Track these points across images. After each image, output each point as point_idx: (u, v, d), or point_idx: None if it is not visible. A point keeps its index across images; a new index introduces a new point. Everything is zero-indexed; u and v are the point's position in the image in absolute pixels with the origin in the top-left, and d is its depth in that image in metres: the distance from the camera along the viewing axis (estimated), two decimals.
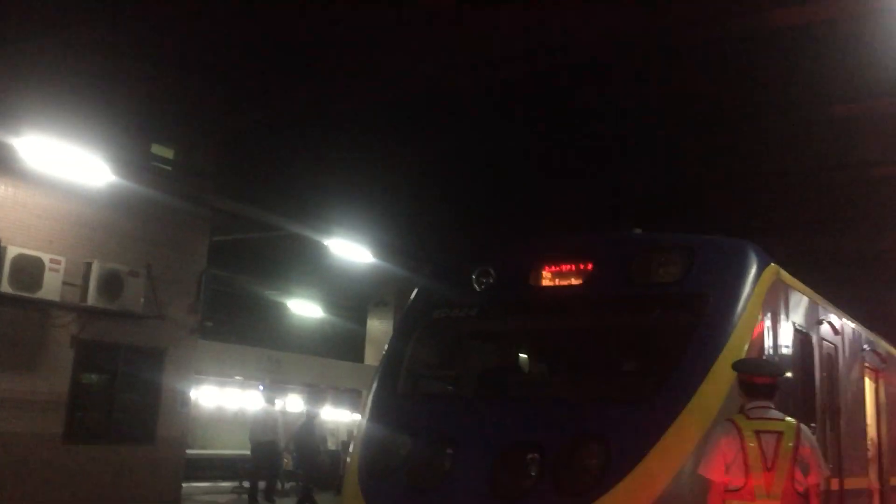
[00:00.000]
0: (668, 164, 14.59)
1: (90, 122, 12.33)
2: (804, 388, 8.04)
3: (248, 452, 22.16)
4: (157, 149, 14.40)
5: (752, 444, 5.47)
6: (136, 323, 13.96)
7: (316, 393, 22.45)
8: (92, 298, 12.98)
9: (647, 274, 7.26)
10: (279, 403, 18.60)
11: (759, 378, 5.79)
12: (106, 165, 12.34)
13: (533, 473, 6.26)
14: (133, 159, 13.54)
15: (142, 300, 13.72)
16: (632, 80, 11.93)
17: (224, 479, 20.82)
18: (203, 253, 15.50)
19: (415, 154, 15.57)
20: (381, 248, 18.38)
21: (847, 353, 9.71)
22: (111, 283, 13.20)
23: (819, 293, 9.20)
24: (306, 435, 16.33)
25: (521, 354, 8.39)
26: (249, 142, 15.64)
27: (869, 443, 10.68)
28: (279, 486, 18.41)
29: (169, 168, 14.54)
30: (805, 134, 13.22)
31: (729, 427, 5.63)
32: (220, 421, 31.67)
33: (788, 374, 7.46)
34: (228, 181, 15.74)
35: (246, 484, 18.48)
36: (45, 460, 12.61)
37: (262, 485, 16.84)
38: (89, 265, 13.11)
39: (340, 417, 31.20)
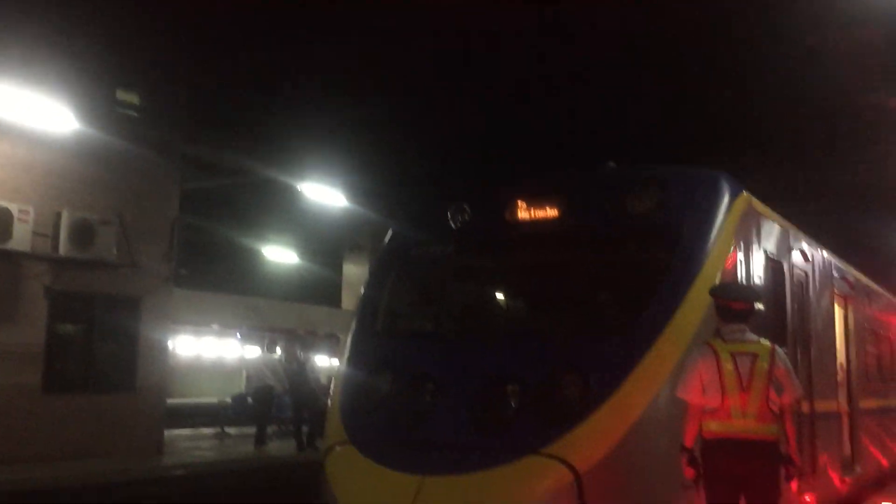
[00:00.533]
0: (641, 97, 14.57)
1: (52, 67, 12.07)
2: (775, 315, 8.19)
3: (228, 400, 22.37)
4: (122, 94, 14.12)
5: (728, 366, 5.59)
6: (110, 272, 13.86)
7: (294, 338, 22.56)
8: (64, 248, 12.86)
9: (622, 207, 7.30)
10: (277, 350, 18.73)
11: (735, 303, 5.90)
12: (70, 112, 12.09)
13: (513, 405, 6.36)
14: (98, 106, 13.29)
15: (114, 249, 13.61)
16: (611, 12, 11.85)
17: (205, 426, 20.95)
18: (175, 200, 15.34)
19: (385, 94, 15.42)
20: (355, 192, 18.32)
21: (817, 281, 9.88)
22: (83, 233, 13.06)
23: (793, 224, 9.32)
24: (299, 381, 16.44)
25: (498, 290, 8.44)
26: (217, 86, 15.39)
27: (838, 367, 10.94)
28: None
29: (135, 114, 14.28)
30: (781, 65, 13.23)
31: (706, 350, 5.75)
32: (199, 370, 31.75)
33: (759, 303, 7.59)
34: (197, 127, 15.51)
35: (228, 430, 18.62)
36: (26, 411, 12.59)
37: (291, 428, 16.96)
38: (59, 215, 12.96)
39: (319, 363, 31.38)
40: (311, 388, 16.33)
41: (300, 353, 17.71)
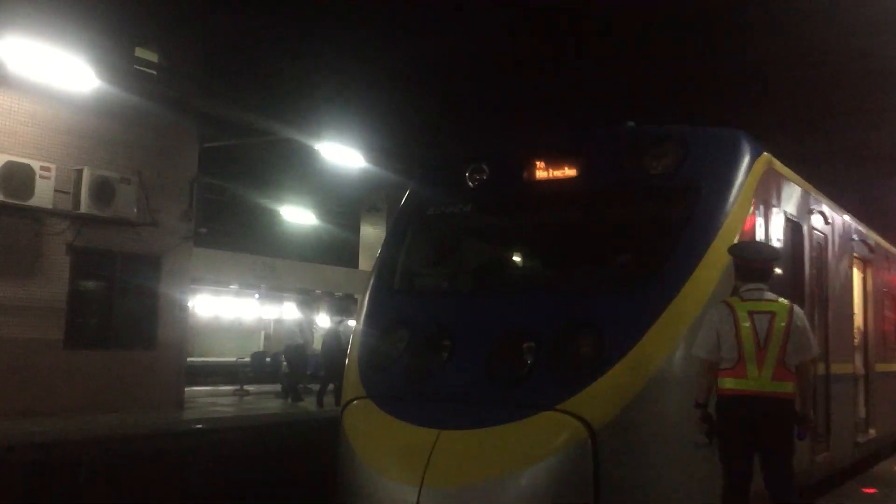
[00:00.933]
0: (661, 59, 14.41)
1: (72, 25, 12.07)
2: (794, 276, 8.18)
3: (247, 359, 22.63)
4: (141, 52, 14.13)
5: (745, 324, 5.61)
6: (130, 230, 13.99)
7: (302, 299, 22.78)
8: (84, 206, 12.97)
9: (641, 166, 7.27)
10: (311, 311, 19.16)
11: (753, 262, 5.90)
12: (90, 69, 12.12)
13: (529, 360, 6.41)
14: (117, 63, 13.31)
15: (134, 207, 13.72)
16: None
17: (225, 384, 21.26)
18: (193, 159, 15.41)
19: (404, 54, 15.34)
20: (373, 152, 18.28)
21: (836, 243, 9.83)
22: (103, 190, 13.16)
23: (813, 186, 9.25)
24: (332, 341, 16.64)
25: (515, 248, 8.46)
26: (236, 45, 15.36)
27: (855, 330, 10.93)
28: (282, 388, 18.80)
29: (153, 72, 14.30)
30: (795, 25, 13.03)
31: (723, 308, 5.77)
32: (218, 329, 32.09)
33: (778, 263, 7.57)
34: (216, 85, 15.52)
35: (247, 387, 18.88)
36: (47, 365, 12.82)
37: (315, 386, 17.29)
38: (80, 172, 13.05)
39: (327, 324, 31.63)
40: (342, 349, 16.52)
41: (335, 315, 17.98)
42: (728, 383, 5.66)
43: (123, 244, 13.95)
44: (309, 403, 16.17)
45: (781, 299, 5.86)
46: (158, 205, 14.48)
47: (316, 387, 16.86)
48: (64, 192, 12.92)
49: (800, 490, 7.96)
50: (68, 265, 13.21)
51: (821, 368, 8.66)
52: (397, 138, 18.84)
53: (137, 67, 14.23)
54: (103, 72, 12.56)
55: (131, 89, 13.70)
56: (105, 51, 12.87)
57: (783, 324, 5.63)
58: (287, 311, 32.02)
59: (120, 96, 13.45)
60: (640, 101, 15.04)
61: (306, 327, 18.00)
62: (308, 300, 20.90)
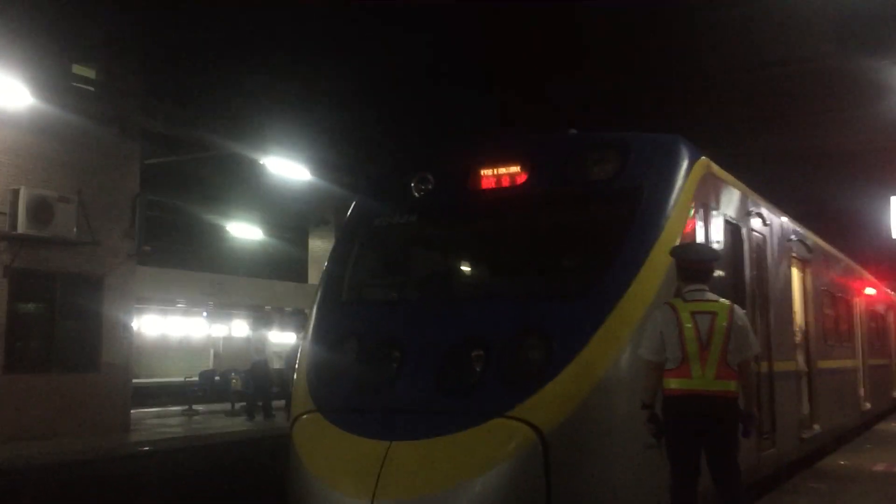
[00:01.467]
0: (601, 69, 14.62)
1: (4, 41, 11.79)
2: (734, 277, 8.35)
3: (195, 378, 22.31)
4: (78, 69, 13.87)
5: (688, 325, 5.71)
6: (71, 250, 13.69)
7: (262, 315, 22.57)
8: (22, 226, 12.66)
9: (583, 172, 7.37)
10: (272, 327, 19.04)
11: (695, 263, 6.00)
12: (25, 88, 11.86)
13: (478, 369, 6.42)
14: (53, 80, 13.05)
15: (74, 227, 13.45)
16: None
17: (174, 405, 20.93)
18: (135, 176, 15.15)
19: (346, 67, 15.30)
20: (319, 166, 18.20)
21: (775, 244, 10.06)
22: (41, 210, 12.87)
23: (751, 189, 9.46)
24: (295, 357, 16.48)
25: (461, 256, 8.49)
26: (176, 60, 15.15)
27: (797, 328, 11.19)
28: (231, 406, 18.57)
29: (91, 89, 14.04)
30: (732, 28, 13.32)
31: (666, 310, 5.86)
32: (166, 349, 31.58)
33: (719, 264, 7.73)
34: (156, 101, 15.29)
35: (196, 407, 18.60)
36: None
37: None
38: (16, 192, 12.75)
39: (287, 339, 31.36)
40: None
41: (298, 332, 17.90)
42: (673, 384, 5.75)
43: (64, 265, 13.65)
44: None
45: (722, 299, 5.98)
46: (100, 224, 14.20)
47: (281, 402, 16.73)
48: (0, 213, 12.59)
49: (747, 486, 8.12)
50: (6, 287, 12.88)
51: (764, 366, 8.85)
52: (344, 152, 18.79)
53: (75, 84, 13.97)
54: (39, 89, 12.31)
55: (68, 107, 13.45)
56: (41, 68, 12.60)
57: (724, 323, 5.74)
58: (237, 328, 31.70)
59: (57, 114, 13.19)
60: (580, 108, 15.24)
61: (268, 343, 17.96)
62: (270, 317, 20.76)
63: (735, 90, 15.79)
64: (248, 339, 28.44)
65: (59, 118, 13.30)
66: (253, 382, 17.59)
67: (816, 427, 11.43)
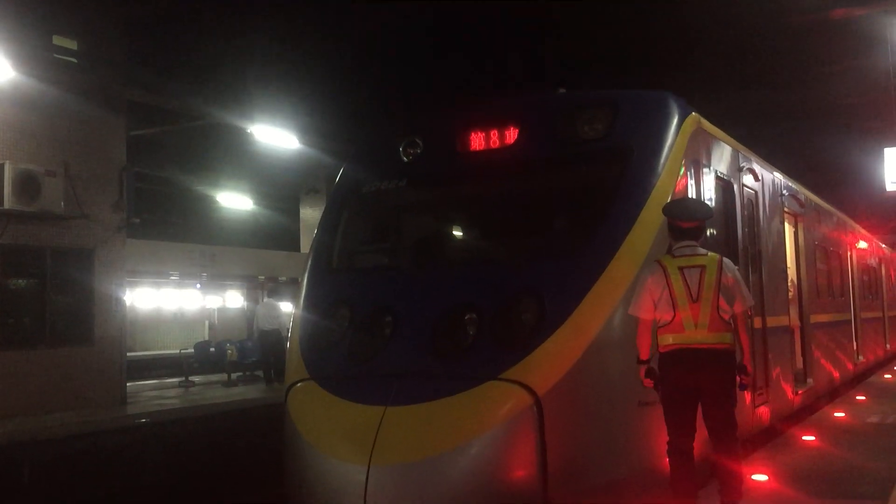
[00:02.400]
0: (591, 25, 14.46)
1: None
2: (727, 233, 8.32)
3: (191, 350, 22.31)
4: (59, 40, 13.64)
5: (677, 280, 5.69)
6: (60, 224, 13.59)
7: (275, 286, 22.54)
8: (9, 201, 12.52)
9: (573, 131, 7.30)
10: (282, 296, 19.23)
11: (684, 222, 5.96)
12: (5, 60, 11.67)
13: (471, 332, 6.40)
14: (34, 53, 12.83)
15: (62, 201, 13.31)
16: None
17: (169, 377, 20.95)
18: (122, 148, 14.98)
19: (333, 32, 15.11)
20: (308, 133, 18.04)
21: (767, 199, 10.02)
22: (28, 185, 12.73)
23: (742, 145, 9.40)
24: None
25: (452, 220, 8.43)
26: (159, 28, 14.94)
27: (789, 284, 11.20)
28: (227, 377, 18.59)
29: (74, 60, 13.82)
30: None
31: (655, 267, 5.84)
32: (161, 322, 31.54)
33: (711, 221, 7.70)
34: (140, 71, 15.09)
35: (192, 378, 18.61)
36: None
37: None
38: (2, 167, 12.59)
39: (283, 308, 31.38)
40: None
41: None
42: (668, 339, 5.74)
43: (53, 239, 13.55)
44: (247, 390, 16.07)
45: (711, 253, 5.95)
46: (88, 197, 14.08)
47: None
48: None
49: (742, 440, 8.18)
50: None
51: (757, 322, 8.86)
52: (333, 118, 18.63)
53: (57, 56, 13.75)
54: (20, 62, 12.11)
55: (51, 79, 13.25)
56: (20, 40, 12.39)
57: (713, 276, 5.72)
58: (231, 299, 31.67)
59: (40, 87, 13.00)
60: (570, 67, 15.10)
61: (281, 311, 18.08)
62: (278, 287, 20.95)
63: (725, 45, 15.65)
64: (246, 310, 28.54)
65: (43, 91, 13.12)
66: (265, 350, 17.69)
67: (810, 381, 11.49)
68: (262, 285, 20.86)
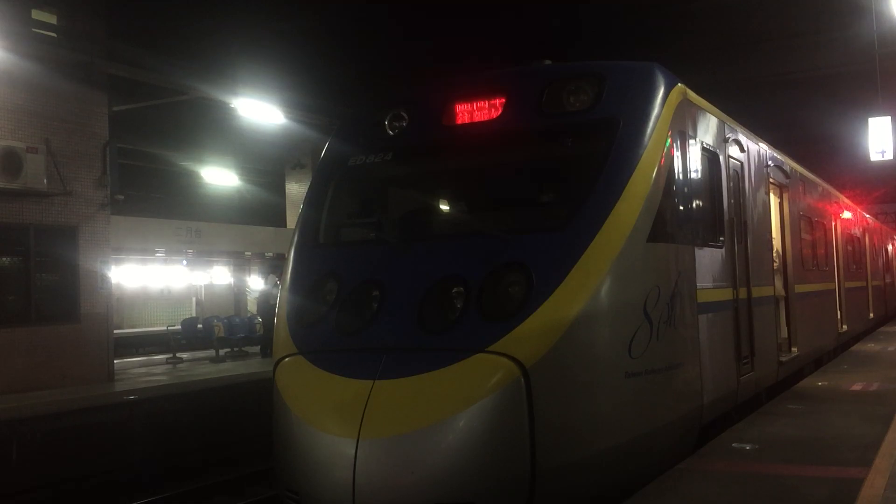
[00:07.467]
0: None
1: None
2: (712, 205, 8.33)
3: (178, 327, 22.28)
4: (37, 14, 13.44)
5: None
6: (43, 201, 13.48)
7: (242, 261, 22.51)
8: None
9: (559, 104, 7.26)
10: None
11: None
12: None
13: (459, 305, 6.39)
14: (13, 28, 12.65)
15: (44, 178, 13.20)
16: None
17: (157, 354, 20.95)
18: (104, 124, 14.84)
19: (319, 7, 14.95)
20: (292, 108, 17.90)
21: (753, 171, 10.03)
22: (9, 161, 12.62)
23: (728, 116, 9.39)
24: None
25: (438, 194, 8.40)
26: (140, 1, 14.73)
27: (775, 254, 11.25)
28: (215, 353, 18.59)
29: (53, 34, 13.63)
30: None
31: None
32: (147, 298, 31.42)
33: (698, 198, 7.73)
34: (121, 45, 14.89)
35: (180, 355, 18.61)
36: None
37: None
38: None
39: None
40: None
41: None
42: None
43: (36, 216, 13.45)
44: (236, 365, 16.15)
45: None
46: (71, 173, 13.96)
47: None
48: None
49: (727, 411, 8.25)
50: None
51: (742, 293, 8.91)
52: (318, 92, 18.46)
53: (35, 30, 13.55)
54: None
55: (31, 54, 13.07)
56: None
57: None
58: (217, 276, 31.57)
59: (19, 62, 12.83)
60: (554, 37, 15.00)
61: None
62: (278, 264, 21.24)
63: (709, 16, 15.58)
64: (233, 287, 28.45)
65: (22, 67, 12.96)
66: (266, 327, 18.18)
67: (794, 350, 11.58)
68: (260, 263, 21.15)
